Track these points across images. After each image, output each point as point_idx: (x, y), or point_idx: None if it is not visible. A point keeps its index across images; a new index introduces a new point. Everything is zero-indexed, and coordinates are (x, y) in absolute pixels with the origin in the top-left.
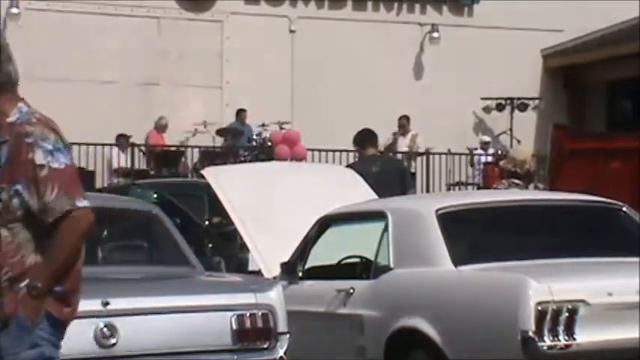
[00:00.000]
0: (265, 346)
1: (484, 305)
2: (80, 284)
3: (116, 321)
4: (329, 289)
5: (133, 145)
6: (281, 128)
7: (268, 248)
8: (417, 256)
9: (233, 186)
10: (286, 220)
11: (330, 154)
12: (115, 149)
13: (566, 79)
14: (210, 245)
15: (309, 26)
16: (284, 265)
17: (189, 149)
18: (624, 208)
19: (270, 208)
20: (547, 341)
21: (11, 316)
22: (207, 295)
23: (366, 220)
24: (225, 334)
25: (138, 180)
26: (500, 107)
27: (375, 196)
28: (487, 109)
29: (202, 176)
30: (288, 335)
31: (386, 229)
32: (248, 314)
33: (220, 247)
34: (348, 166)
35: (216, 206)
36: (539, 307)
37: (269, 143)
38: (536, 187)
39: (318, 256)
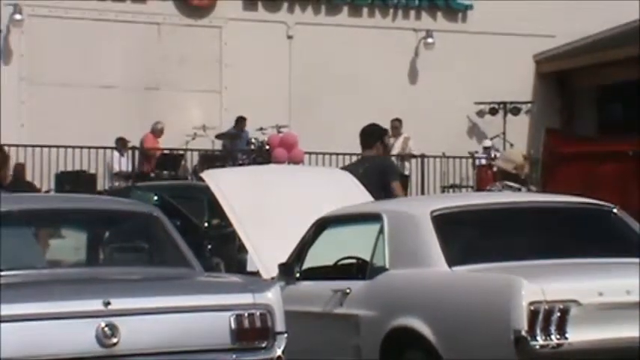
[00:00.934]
0: (263, 345)
1: (478, 305)
2: None
3: (117, 321)
4: (326, 289)
5: (134, 148)
6: (279, 132)
7: (266, 249)
8: (412, 257)
9: (232, 188)
10: (284, 221)
11: (327, 157)
12: (115, 153)
13: (558, 84)
14: (209, 246)
15: (306, 32)
16: (282, 266)
17: (188, 152)
18: (615, 210)
19: (268, 210)
20: (539, 340)
21: None
22: (206, 295)
23: (362, 221)
24: (224, 333)
25: (138, 183)
26: (493, 111)
27: (371, 198)
28: (481, 113)
29: (201, 179)
30: (285, 335)
31: (381, 230)
32: (246, 314)
33: (219, 248)
34: (343, 168)
35: (215, 208)
36: (532, 307)
37: (267, 147)
38: (529, 190)
39: (315, 257)
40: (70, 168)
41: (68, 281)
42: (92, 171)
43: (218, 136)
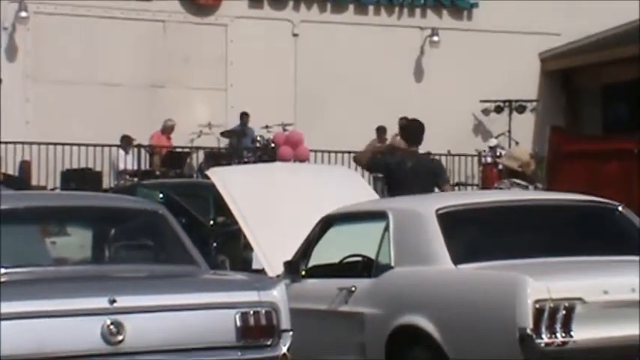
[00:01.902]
0: (269, 343)
1: (483, 303)
2: None
3: (123, 318)
4: (331, 287)
5: (140, 146)
6: (284, 130)
7: (272, 247)
8: (418, 254)
9: (237, 186)
10: (289, 219)
11: (333, 155)
12: (121, 151)
13: (563, 82)
14: (214, 244)
15: (312, 30)
16: (287, 264)
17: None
18: (620, 208)
19: (273, 208)
20: (544, 338)
21: None
22: (211, 292)
23: (368, 219)
24: (229, 331)
25: (144, 180)
26: (498, 109)
27: (377, 196)
28: (486, 111)
29: (207, 177)
30: (291, 332)
31: (387, 228)
32: (252, 312)
33: (225, 246)
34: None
35: (220, 206)
36: (537, 305)
37: (272, 144)
38: (536, 188)
39: (321, 255)
40: (75, 166)
41: (74, 279)
42: (98, 169)
43: (223, 134)
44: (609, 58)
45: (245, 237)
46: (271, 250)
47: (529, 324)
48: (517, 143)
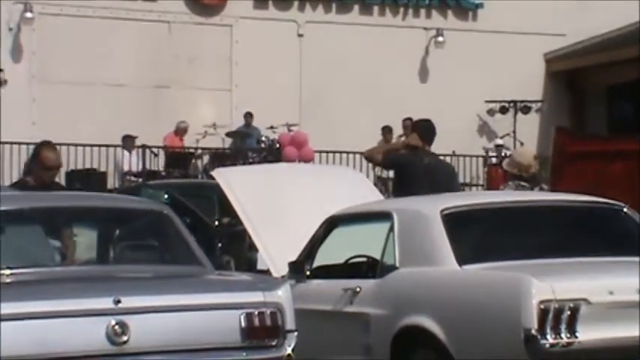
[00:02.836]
0: (273, 343)
1: (488, 304)
2: None
3: (127, 319)
4: (336, 287)
5: (144, 146)
6: (289, 130)
7: (276, 248)
8: (423, 255)
9: (242, 187)
10: (294, 220)
11: (338, 155)
12: (125, 152)
13: (568, 83)
14: (219, 245)
15: (317, 30)
16: (292, 265)
17: (199, 151)
18: (625, 209)
19: (278, 209)
20: (549, 339)
21: None
22: (216, 293)
23: (372, 220)
24: (234, 331)
25: (149, 181)
26: (503, 110)
27: (381, 197)
28: (491, 112)
29: (212, 177)
30: (295, 333)
31: (392, 229)
32: (257, 312)
33: (230, 246)
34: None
35: (225, 207)
36: (542, 306)
37: (277, 145)
38: (541, 189)
39: (326, 256)
40: (80, 166)
41: (79, 279)
42: (102, 169)
43: (228, 134)
44: (614, 59)
45: (250, 237)
46: (276, 251)
47: (534, 325)
48: (522, 144)
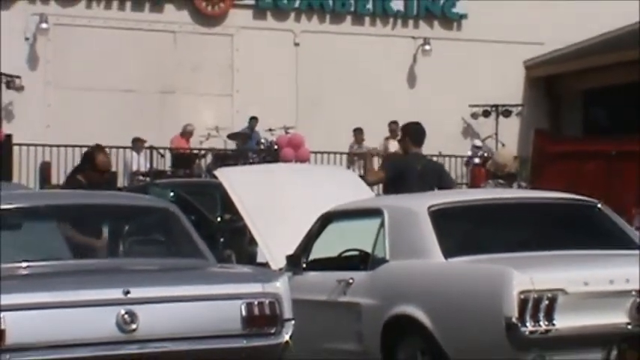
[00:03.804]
0: (272, 331)
1: (472, 294)
2: None
3: (136, 308)
4: (330, 279)
5: (152, 148)
6: (286, 132)
7: (275, 242)
8: (411, 249)
9: (243, 185)
10: (291, 216)
11: (332, 156)
12: (134, 153)
13: (546, 88)
14: (221, 239)
15: (312, 39)
16: (289, 258)
17: (202, 152)
18: (599, 205)
19: (276, 206)
20: (529, 327)
21: None
22: (219, 284)
23: (364, 216)
24: (235, 320)
25: (156, 180)
26: (486, 113)
27: (372, 194)
28: (474, 115)
29: (215, 176)
30: (293, 321)
31: (382, 224)
32: (256, 302)
33: (231, 241)
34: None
35: (227, 204)
36: (522, 296)
37: (275, 146)
38: (519, 186)
39: (321, 250)
40: None
41: (91, 271)
42: (112, 169)
43: (230, 137)
44: (590, 66)
45: (250, 233)
46: (274, 245)
47: (514, 313)
48: (503, 145)
